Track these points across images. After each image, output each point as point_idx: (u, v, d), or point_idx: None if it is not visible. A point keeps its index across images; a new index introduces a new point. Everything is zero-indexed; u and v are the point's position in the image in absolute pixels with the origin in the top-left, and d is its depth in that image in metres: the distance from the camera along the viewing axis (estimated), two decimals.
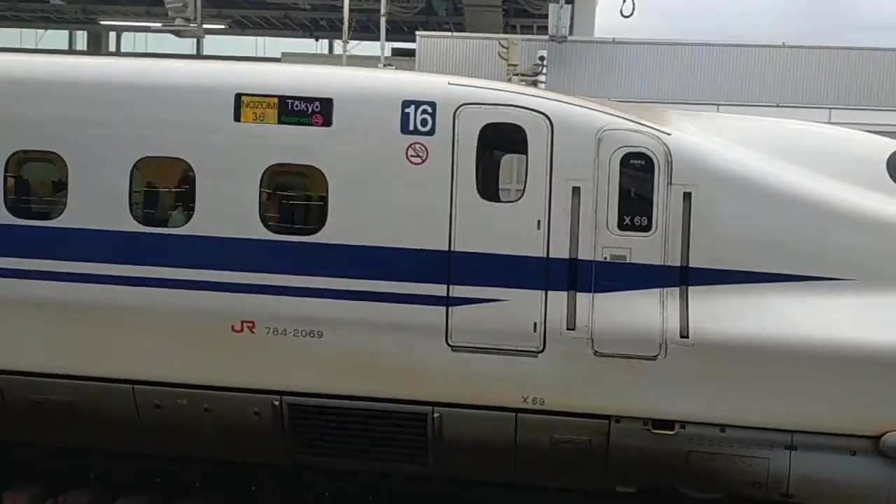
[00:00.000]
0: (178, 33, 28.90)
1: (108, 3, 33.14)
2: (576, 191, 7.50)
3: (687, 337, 7.35)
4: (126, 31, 37.15)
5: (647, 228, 7.46)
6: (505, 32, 29.06)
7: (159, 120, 7.84)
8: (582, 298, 7.49)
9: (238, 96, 7.75)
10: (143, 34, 36.21)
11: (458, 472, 8.10)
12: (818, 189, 7.55)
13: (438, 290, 7.59)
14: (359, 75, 8.19)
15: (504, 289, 7.54)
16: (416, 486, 8.51)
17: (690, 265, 7.44)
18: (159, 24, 29.60)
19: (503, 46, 26.49)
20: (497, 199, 7.73)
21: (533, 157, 7.56)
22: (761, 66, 26.14)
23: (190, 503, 8.68)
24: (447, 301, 7.57)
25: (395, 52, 30.42)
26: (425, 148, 7.61)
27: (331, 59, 31.98)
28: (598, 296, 7.48)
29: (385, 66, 25.63)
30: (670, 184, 7.47)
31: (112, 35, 39.17)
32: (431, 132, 7.61)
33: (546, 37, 26.90)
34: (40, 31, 38.48)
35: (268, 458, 8.28)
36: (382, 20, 27.27)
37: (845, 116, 23.09)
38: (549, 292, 7.52)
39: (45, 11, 33.92)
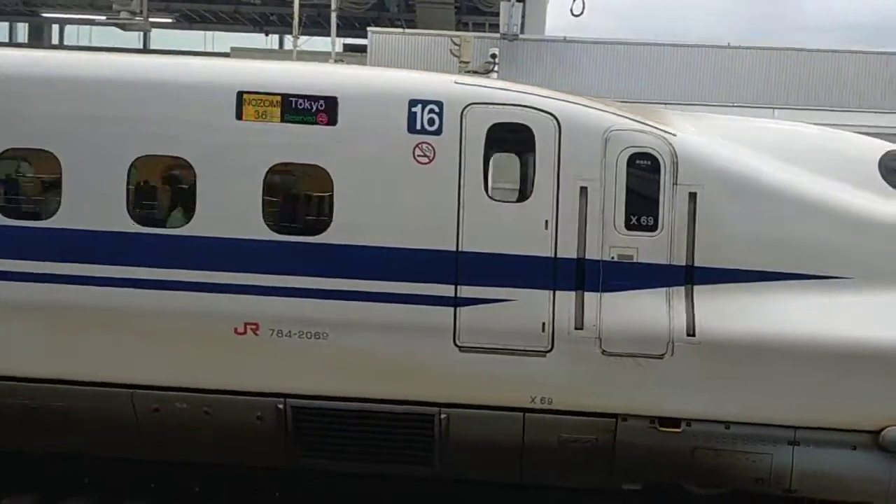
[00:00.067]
0: (123, 27, 28.29)
1: None
2: (583, 191, 7.53)
3: (693, 335, 7.42)
4: (69, 23, 36.19)
5: (654, 228, 7.52)
6: (457, 30, 29.08)
7: (158, 118, 7.65)
8: (590, 298, 7.52)
9: (240, 94, 7.61)
10: (87, 27, 35.30)
11: (463, 472, 8.07)
12: (818, 189, 7.70)
13: (446, 290, 7.55)
14: (364, 74, 8.13)
15: (512, 289, 7.53)
16: (416, 487, 8.48)
17: (696, 264, 7.53)
18: (104, 18, 28.98)
19: (455, 44, 26.55)
20: (505, 199, 7.72)
21: (541, 157, 7.57)
22: (708, 66, 26.61)
23: None
24: (455, 301, 7.54)
25: (347, 47, 30.27)
26: (432, 147, 7.56)
27: (281, 54, 31.61)
28: (606, 295, 7.52)
29: (336, 61, 25.46)
30: (676, 184, 7.54)
31: (55, 28, 38.11)
32: (439, 132, 7.56)
33: (498, 35, 27.00)
34: None
35: (270, 462, 8.15)
36: (333, 15, 27.08)
37: (789, 116, 23.62)
38: (557, 292, 7.53)
39: None
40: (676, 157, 7.55)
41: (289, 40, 29.11)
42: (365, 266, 7.57)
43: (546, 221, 7.53)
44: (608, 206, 7.53)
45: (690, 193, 7.53)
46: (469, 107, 7.56)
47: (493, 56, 26.14)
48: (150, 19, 28.56)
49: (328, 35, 27.23)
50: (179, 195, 7.82)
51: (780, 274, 7.55)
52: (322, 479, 8.46)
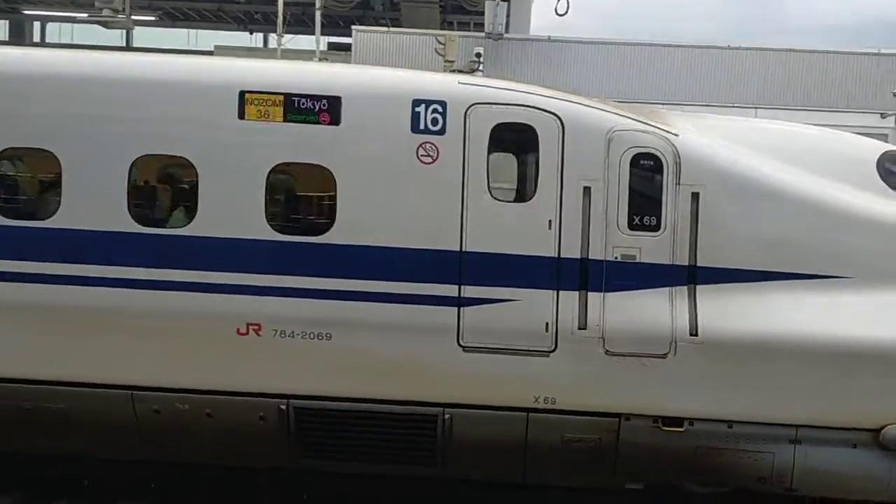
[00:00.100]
0: (105, 25, 28.09)
1: None
2: (587, 191, 7.54)
3: (696, 335, 7.45)
4: (51, 21, 35.90)
5: (657, 228, 7.55)
6: (442, 29, 29.08)
7: (159, 117, 7.60)
8: (593, 298, 7.53)
9: (242, 93, 7.57)
10: (69, 25, 35.03)
11: (466, 473, 8.07)
12: (819, 190, 7.75)
13: (450, 290, 7.54)
14: (367, 74, 8.08)
15: (516, 289, 7.54)
16: (416, 487, 8.47)
17: (698, 264, 7.56)
18: (86, 15, 28.72)
19: (440, 43, 26.57)
20: (508, 199, 7.72)
21: (544, 157, 7.57)
22: (692, 66, 26.77)
23: None
24: (459, 301, 7.53)
25: (331, 46, 30.19)
26: (436, 147, 7.55)
27: (266, 52, 31.49)
28: (609, 295, 7.53)
29: (320, 60, 25.41)
30: (678, 184, 7.57)
31: (36, 25, 37.78)
32: (442, 132, 7.55)
33: (482, 34, 27.06)
34: None
35: (272, 463, 8.12)
36: (317, 14, 27.07)
37: (771, 116, 23.79)
38: (561, 292, 7.54)
39: None
40: (679, 157, 7.57)
41: (273, 39, 29.12)
42: (368, 266, 7.55)
43: (549, 221, 7.54)
44: (611, 206, 7.54)
45: (693, 194, 7.56)
46: (473, 107, 7.55)
47: (478, 55, 26.21)
48: (133, 17, 28.41)
49: (313, 34, 27.23)
50: (181, 195, 7.76)
51: (782, 274, 7.59)
52: (321, 479, 8.44)
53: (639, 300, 7.53)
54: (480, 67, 25.84)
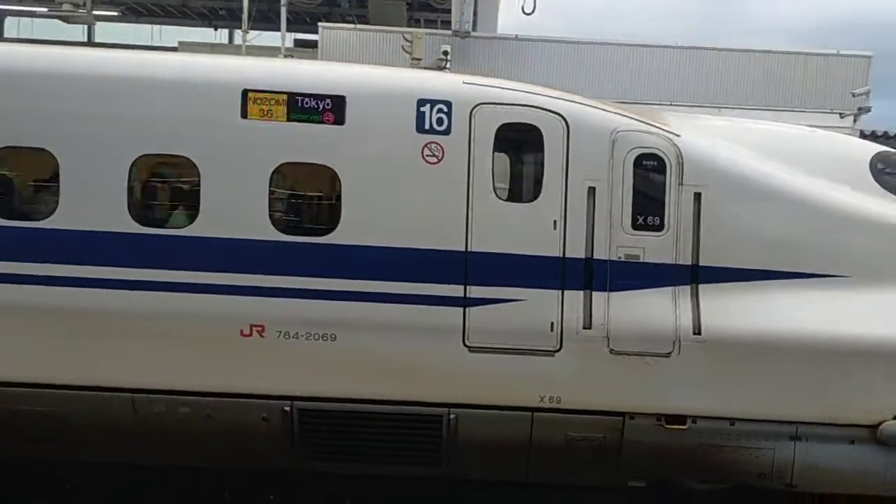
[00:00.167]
0: (66, 19, 27.61)
1: None
2: (591, 191, 7.58)
3: (699, 334, 7.53)
4: (9, 15, 35.11)
5: (660, 228, 7.61)
6: (409, 26, 28.98)
7: (161, 116, 7.49)
8: (598, 297, 7.58)
9: (245, 92, 7.49)
10: (28, 19, 34.29)
11: (470, 473, 8.08)
12: (816, 190, 7.86)
13: (455, 290, 7.53)
14: (372, 73, 8.02)
15: (521, 289, 7.55)
16: (415, 487, 8.46)
17: (701, 263, 7.64)
18: (45, 10, 28.24)
19: (407, 40, 26.49)
20: (513, 199, 7.73)
21: (549, 157, 7.59)
22: (656, 65, 27.01)
23: None
24: (464, 302, 7.53)
25: (298, 43, 29.97)
26: (441, 147, 7.54)
27: (231, 48, 31.15)
28: (614, 295, 7.58)
29: (286, 57, 25.22)
30: (681, 184, 7.64)
31: None
32: (447, 132, 7.54)
33: (450, 32, 27.01)
34: None
35: (274, 466, 8.06)
36: (283, 10, 26.80)
37: (734, 115, 24.07)
38: (566, 292, 7.57)
39: None
40: (682, 157, 7.64)
41: (238, 35, 28.83)
42: (373, 266, 7.52)
43: (554, 222, 7.57)
44: (615, 206, 7.59)
45: (695, 194, 7.64)
46: (478, 107, 7.56)
47: (445, 53, 26.16)
48: (95, 12, 27.96)
49: (278, 30, 26.95)
50: (183, 195, 7.66)
51: (782, 273, 7.70)
52: (320, 479, 8.40)
53: (643, 300, 7.58)
54: (447, 65, 25.80)
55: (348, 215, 7.51)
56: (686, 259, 7.63)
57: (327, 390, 7.63)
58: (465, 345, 7.53)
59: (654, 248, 7.61)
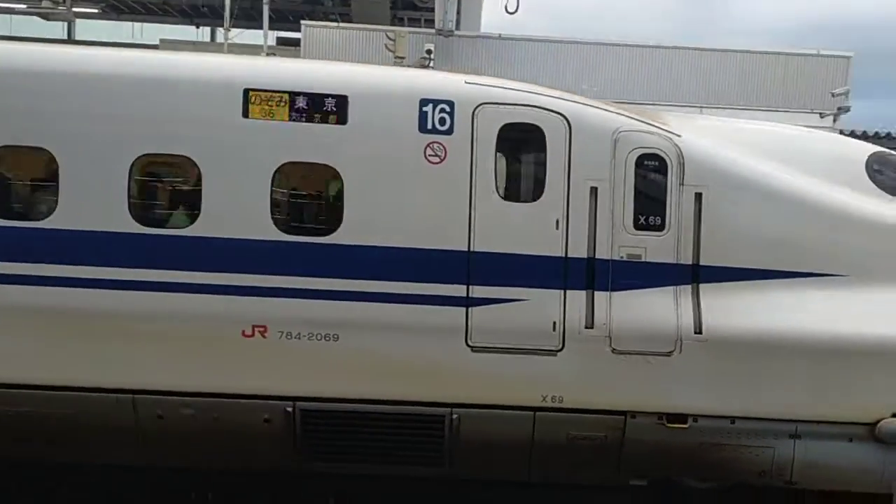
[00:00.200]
0: (46, 16, 27.35)
1: None
2: (593, 191, 7.60)
3: (701, 333, 7.58)
4: None
5: (661, 228, 7.65)
6: (392, 25, 28.95)
7: (162, 115, 7.44)
8: (600, 297, 7.60)
9: (246, 91, 7.45)
10: (6, 16, 33.93)
11: (472, 472, 8.07)
12: (815, 190, 7.93)
13: (458, 290, 7.53)
14: (374, 73, 8.01)
15: (523, 288, 7.56)
16: (415, 487, 8.45)
17: (702, 263, 7.68)
18: (24, 6, 27.98)
19: (390, 38, 26.50)
20: (516, 199, 7.73)
21: (551, 157, 7.61)
22: (639, 65, 27.13)
23: None
24: (467, 302, 7.53)
25: (280, 41, 29.87)
26: (444, 147, 7.53)
27: (213, 46, 31.00)
28: (616, 294, 7.61)
29: (268, 55, 25.13)
30: (682, 184, 7.68)
31: None
32: (450, 131, 7.54)
33: (433, 30, 27.01)
34: None
35: (275, 466, 8.02)
36: (265, 8, 26.72)
37: (714, 115, 24.20)
38: (568, 291, 7.59)
39: None
40: (682, 157, 7.68)
41: (220, 33, 28.67)
42: (375, 266, 7.50)
43: (557, 221, 7.58)
44: (617, 206, 7.62)
45: (696, 194, 7.68)
46: (480, 106, 7.56)
47: (429, 51, 26.17)
48: (75, 9, 27.75)
49: (261, 28, 26.86)
50: (184, 195, 7.61)
51: (781, 272, 7.76)
52: (319, 479, 8.37)
53: (644, 299, 7.62)
54: (431, 64, 25.80)
55: (350, 215, 7.49)
56: (687, 259, 7.67)
57: (329, 391, 7.61)
58: (468, 345, 7.53)
59: (655, 248, 7.64)
